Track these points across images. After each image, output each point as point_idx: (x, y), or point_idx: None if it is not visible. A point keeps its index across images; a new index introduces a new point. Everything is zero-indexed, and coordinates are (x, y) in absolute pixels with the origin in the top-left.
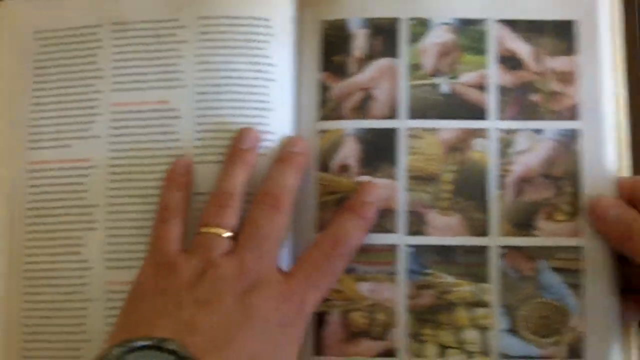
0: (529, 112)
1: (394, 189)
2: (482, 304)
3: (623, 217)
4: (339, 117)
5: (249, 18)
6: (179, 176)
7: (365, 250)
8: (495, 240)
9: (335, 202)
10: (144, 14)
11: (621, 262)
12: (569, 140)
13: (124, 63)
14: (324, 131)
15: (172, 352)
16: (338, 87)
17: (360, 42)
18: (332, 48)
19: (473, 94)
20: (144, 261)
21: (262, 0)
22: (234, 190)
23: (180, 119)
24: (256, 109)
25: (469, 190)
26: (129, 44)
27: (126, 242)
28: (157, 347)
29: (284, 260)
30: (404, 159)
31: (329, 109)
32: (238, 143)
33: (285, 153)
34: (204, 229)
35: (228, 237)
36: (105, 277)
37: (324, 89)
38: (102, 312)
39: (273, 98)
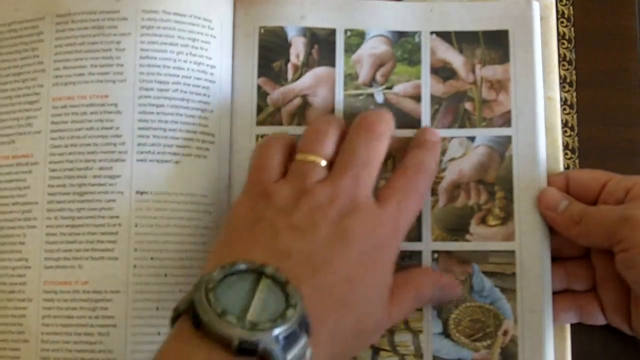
0: (462, 120)
1: None
2: None
3: (574, 206)
4: (277, 123)
5: (192, 16)
6: None
7: None
8: (428, 245)
9: None
10: (86, 5)
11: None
12: (502, 146)
13: (66, 56)
14: (261, 136)
15: (270, 276)
16: (276, 92)
17: (298, 49)
18: (269, 54)
19: (407, 104)
20: (242, 192)
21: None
22: (332, 121)
23: (120, 115)
24: (198, 109)
25: None
26: (71, 37)
27: (63, 241)
28: (257, 271)
29: None
30: None
31: (267, 114)
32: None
33: None
34: (300, 157)
35: (324, 165)
36: (43, 276)
37: (262, 94)
38: (39, 312)
39: (213, 100)
